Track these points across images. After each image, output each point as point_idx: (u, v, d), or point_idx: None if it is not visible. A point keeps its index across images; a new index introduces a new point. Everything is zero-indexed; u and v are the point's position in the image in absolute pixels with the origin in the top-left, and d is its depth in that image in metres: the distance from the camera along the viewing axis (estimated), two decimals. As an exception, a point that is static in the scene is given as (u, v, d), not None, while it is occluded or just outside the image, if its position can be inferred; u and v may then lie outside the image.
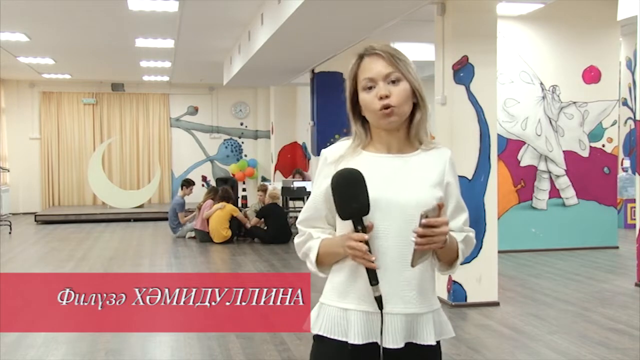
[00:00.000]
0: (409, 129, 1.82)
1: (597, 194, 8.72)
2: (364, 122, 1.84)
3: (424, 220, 1.62)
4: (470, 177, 5.63)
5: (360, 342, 1.71)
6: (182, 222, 10.66)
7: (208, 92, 15.75)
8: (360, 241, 1.65)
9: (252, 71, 10.07)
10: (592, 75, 8.62)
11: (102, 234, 11.38)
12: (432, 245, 1.66)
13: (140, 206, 13.81)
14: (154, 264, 8.31)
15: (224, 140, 15.95)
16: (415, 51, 10.08)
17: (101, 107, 15.17)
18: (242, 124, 16.08)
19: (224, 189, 10.43)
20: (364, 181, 1.67)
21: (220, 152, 15.92)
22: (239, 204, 13.80)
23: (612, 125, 8.76)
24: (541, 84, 8.49)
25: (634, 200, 9.24)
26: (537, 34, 8.46)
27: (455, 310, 5.55)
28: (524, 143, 8.47)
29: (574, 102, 8.59)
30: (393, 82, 1.76)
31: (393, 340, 1.71)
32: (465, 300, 5.65)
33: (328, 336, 1.76)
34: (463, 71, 5.60)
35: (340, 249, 1.73)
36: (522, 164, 8.49)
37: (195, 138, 15.82)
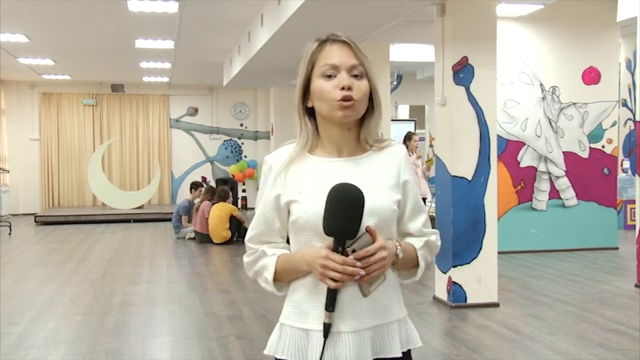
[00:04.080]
0: (360, 129, 1.69)
1: (597, 195, 8.71)
2: (310, 116, 1.69)
3: (351, 256, 1.53)
4: (470, 178, 5.64)
5: None
6: (184, 226, 10.71)
7: (208, 93, 15.76)
8: (339, 263, 1.53)
9: (252, 72, 10.07)
10: (591, 76, 8.62)
11: (102, 234, 11.38)
12: (374, 273, 1.55)
13: (140, 207, 13.82)
14: (154, 264, 8.31)
15: (224, 141, 15.95)
16: (415, 52, 10.11)
17: (101, 108, 15.17)
18: (242, 125, 16.08)
19: (222, 188, 10.45)
20: (364, 202, 1.54)
21: (220, 153, 15.92)
22: (239, 205, 13.84)
23: (612, 126, 8.77)
24: (541, 85, 8.49)
25: (633, 201, 9.25)
26: (536, 35, 8.46)
27: (455, 311, 5.55)
28: (524, 144, 8.47)
29: (574, 103, 8.60)
30: (355, 76, 1.62)
31: None
32: (465, 301, 5.65)
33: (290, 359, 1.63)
34: (463, 72, 5.60)
35: (304, 266, 1.61)
36: (521, 165, 8.49)
37: (195, 139, 15.82)
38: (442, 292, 5.83)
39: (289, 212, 1.66)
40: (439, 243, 1.77)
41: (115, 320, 5.44)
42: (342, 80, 1.60)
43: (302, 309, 1.63)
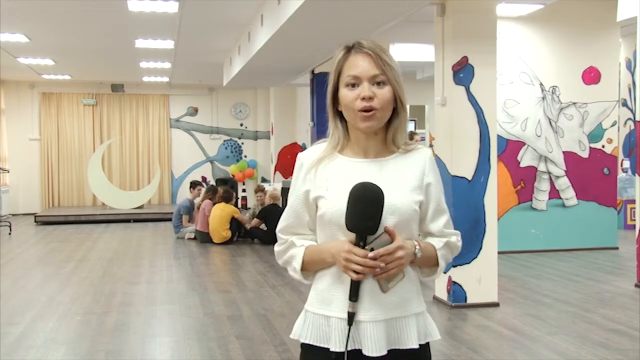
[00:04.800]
0: (386, 133, 1.78)
1: (597, 194, 8.72)
2: (342, 119, 1.79)
3: (370, 254, 1.63)
4: (470, 178, 5.63)
5: (342, 350, 1.68)
6: (184, 226, 10.71)
7: (208, 93, 15.76)
8: (361, 257, 1.63)
9: (251, 72, 10.07)
10: (591, 76, 8.62)
11: (101, 234, 11.38)
12: (391, 271, 1.66)
13: (140, 207, 13.82)
14: (154, 264, 8.31)
15: (224, 141, 15.95)
16: (415, 52, 10.10)
17: (101, 108, 15.17)
18: (241, 125, 16.08)
19: (225, 189, 10.45)
20: (383, 201, 1.64)
21: (220, 152, 15.93)
22: (239, 205, 13.83)
23: (612, 126, 8.77)
24: (541, 84, 8.49)
25: (633, 201, 9.25)
26: (536, 34, 8.46)
27: (455, 311, 5.55)
28: (524, 144, 8.47)
29: (574, 103, 8.60)
30: (378, 84, 1.72)
31: (374, 349, 1.68)
32: (465, 301, 5.65)
33: (314, 344, 1.74)
34: (463, 72, 5.60)
35: (329, 258, 1.71)
36: (521, 165, 8.49)
37: (195, 139, 15.82)
38: (442, 292, 5.83)
39: (317, 206, 1.77)
40: (460, 244, 1.87)
41: (115, 320, 5.44)
42: (363, 91, 1.70)
43: (325, 296, 1.74)
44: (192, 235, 10.47)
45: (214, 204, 10.17)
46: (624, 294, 6.18)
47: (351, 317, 1.67)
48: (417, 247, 1.71)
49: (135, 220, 13.21)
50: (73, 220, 13.12)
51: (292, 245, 1.80)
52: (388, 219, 1.68)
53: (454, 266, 5.60)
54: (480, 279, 5.67)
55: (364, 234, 1.65)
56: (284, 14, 6.32)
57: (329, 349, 1.70)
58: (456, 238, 1.85)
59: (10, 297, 6.45)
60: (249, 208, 12.42)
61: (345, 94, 1.73)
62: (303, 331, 1.77)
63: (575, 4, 8.40)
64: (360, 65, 1.73)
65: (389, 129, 1.77)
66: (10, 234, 11.46)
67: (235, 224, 10.06)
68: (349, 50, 1.77)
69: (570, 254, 8.32)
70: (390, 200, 1.67)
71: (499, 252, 5.89)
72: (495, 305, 5.67)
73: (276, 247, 1.86)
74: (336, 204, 1.70)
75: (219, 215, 9.92)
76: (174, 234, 10.85)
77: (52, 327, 5.26)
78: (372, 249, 1.64)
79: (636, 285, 6.45)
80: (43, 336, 4.97)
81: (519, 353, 4.47)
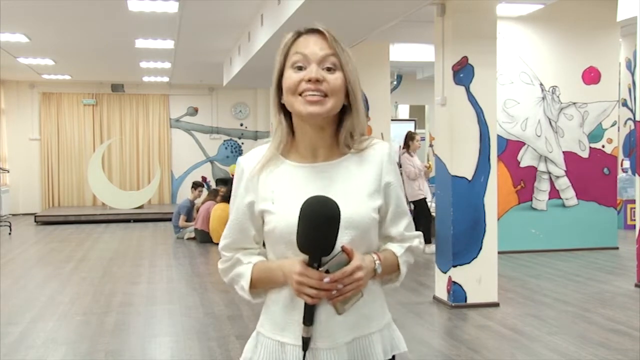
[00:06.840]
0: (337, 131, 1.57)
1: (597, 194, 8.72)
2: (287, 114, 1.58)
3: (325, 280, 1.43)
4: (470, 178, 5.64)
5: None
6: (180, 226, 10.69)
7: (208, 93, 15.76)
8: (316, 280, 1.44)
9: (252, 72, 10.07)
10: (591, 76, 8.62)
11: (101, 234, 11.38)
12: (348, 293, 1.47)
13: (140, 207, 13.82)
14: (154, 264, 8.31)
15: (224, 141, 15.96)
16: (415, 52, 10.11)
17: (101, 108, 15.17)
18: (242, 125, 16.09)
19: (228, 189, 10.44)
20: (339, 219, 1.42)
21: (220, 152, 15.93)
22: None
23: (612, 126, 8.77)
24: (541, 84, 8.49)
25: (633, 201, 9.24)
26: (537, 34, 8.46)
27: (455, 311, 5.55)
28: (524, 144, 8.47)
29: (574, 103, 8.60)
30: (328, 69, 1.50)
31: None
32: (465, 301, 5.65)
33: None
34: (463, 72, 5.60)
35: (280, 278, 1.53)
36: (521, 165, 8.49)
37: (195, 139, 15.82)
38: (442, 292, 5.83)
39: (263, 220, 1.59)
40: (422, 246, 1.69)
41: (115, 320, 5.44)
42: (310, 72, 1.49)
43: (278, 320, 1.57)
44: (192, 235, 10.47)
45: (216, 203, 10.18)
46: (624, 294, 6.18)
47: (306, 343, 1.50)
48: (377, 261, 1.54)
49: (135, 220, 13.21)
50: (73, 220, 13.12)
51: (238, 262, 1.61)
52: (345, 235, 1.47)
53: (454, 266, 5.60)
54: (480, 279, 5.67)
55: (318, 255, 1.44)
56: (284, 14, 6.32)
57: None
58: (418, 241, 1.65)
59: (10, 297, 6.45)
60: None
61: (289, 74, 1.52)
62: (255, 355, 1.59)
63: (575, 4, 8.40)
64: (310, 44, 1.51)
65: (341, 128, 1.56)
66: (10, 234, 11.47)
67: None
68: (300, 34, 1.55)
69: (570, 254, 8.32)
70: (346, 213, 1.45)
71: (499, 252, 5.89)
72: (495, 305, 5.67)
73: (220, 265, 1.66)
74: (285, 219, 1.50)
75: (219, 215, 9.92)
76: (174, 234, 10.85)
77: (52, 327, 5.26)
78: (327, 271, 1.44)
79: (636, 285, 6.45)
80: (43, 336, 4.97)
81: (519, 353, 4.47)
